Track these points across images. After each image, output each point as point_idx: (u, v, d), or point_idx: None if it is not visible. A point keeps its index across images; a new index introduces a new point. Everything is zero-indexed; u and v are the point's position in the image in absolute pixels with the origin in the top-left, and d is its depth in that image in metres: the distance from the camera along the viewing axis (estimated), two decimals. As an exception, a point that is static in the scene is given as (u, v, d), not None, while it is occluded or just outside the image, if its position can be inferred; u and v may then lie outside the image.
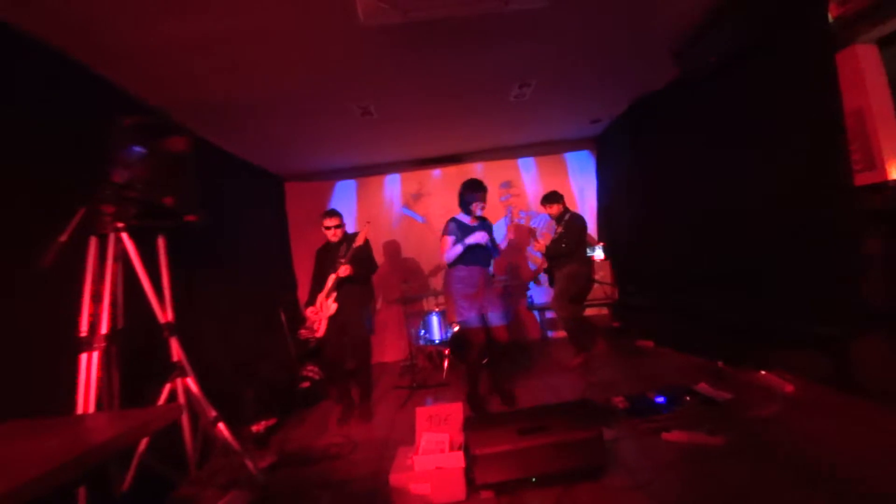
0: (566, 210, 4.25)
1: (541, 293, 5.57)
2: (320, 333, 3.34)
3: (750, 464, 2.07)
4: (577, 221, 4.15)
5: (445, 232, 3.24)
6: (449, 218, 3.33)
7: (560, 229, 4.16)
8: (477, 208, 3.20)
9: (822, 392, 2.69)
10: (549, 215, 4.35)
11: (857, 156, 2.38)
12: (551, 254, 4.16)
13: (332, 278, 3.33)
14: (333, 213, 3.53)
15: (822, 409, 2.51)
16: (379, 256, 5.63)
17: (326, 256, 3.50)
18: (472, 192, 3.21)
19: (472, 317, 3.16)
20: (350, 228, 5.57)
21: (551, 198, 4.28)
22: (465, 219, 3.28)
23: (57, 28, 2.15)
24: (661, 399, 2.83)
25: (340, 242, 3.46)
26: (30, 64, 2.16)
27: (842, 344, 2.54)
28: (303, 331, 3.42)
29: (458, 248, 3.12)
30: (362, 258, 3.41)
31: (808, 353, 2.81)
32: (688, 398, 2.82)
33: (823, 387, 2.71)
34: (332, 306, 3.32)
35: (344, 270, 3.27)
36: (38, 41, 2.19)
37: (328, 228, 3.47)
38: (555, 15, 2.56)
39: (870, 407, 2.39)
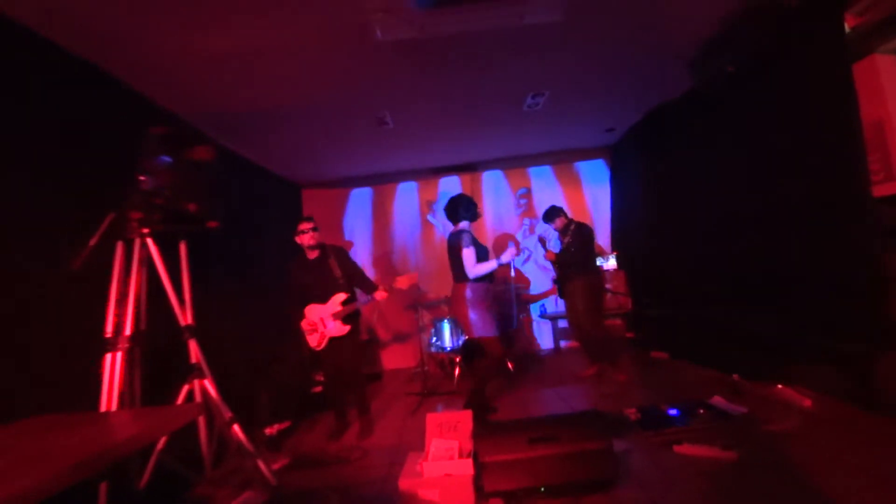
0: (571, 221, 4.21)
1: (554, 302, 5.55)
2: (320, 348, 3.21)
3: (763, 480, 2.03)
4: (584, 230, 4.11)
5: (468, 244, 3.11)
6: (462, 229, 3.22)
7: (567, 239, 4.11)
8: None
9: (840, 408, 2.62)
10: (555, 229, 4.30)
11: (876, 167, 2.34)
12: (562, 262, 4.13)
13: (340, 298, 3.17)
14: (308, 217, 3.28)
15: (840, 425, 2.44)
16: (393, 263, 5.72)
17: (306, 272, 3.26)
18: (475, 207, 3.29)
19: (497, 329, 3.14)
20: (362, 237, 5.73)
21: (552, 213, 4.26)
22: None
23: (91, 43, 2.27)
24: (674, 412, 2.79)
25: (323, 257, 3.26)
26: (65, 77, 2.29)
27: (864, 360, 2.48)
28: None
29: (493, 265, 3.07)
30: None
31: (827, 368, 2.75)
32: (702, 411, 2.77)
33: (842, 403, 2.65)
34: (340, 328, 3.15)
35: (383, 295, 3.20)
36: (74, 56, 2.32)
37: (304, 232, 3.18)
38: (569, 28, 2.60)
39: (888, 424, 2.32)
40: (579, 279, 4.05)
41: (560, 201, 5.70)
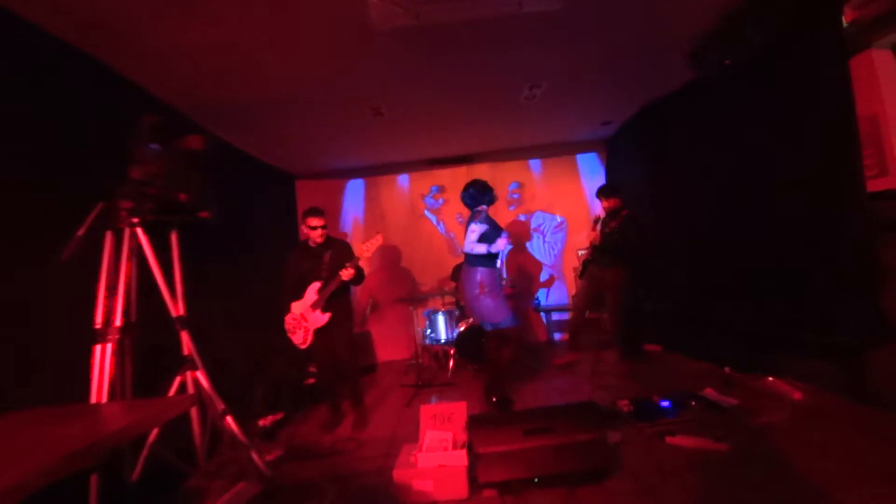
0: (623, 206, 3.97)
1: (547, 295, 5.57)
2: (305, 345, 3.15)
3: (754, 471, 2.06)
4: (639, 221, 3.82)
5: (479, 220, 3.09)
6: (481, 209, 3.21)
7: (614, 224, 3.91)
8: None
9: (831, 400, 2.66)
10: (604, 208, 4.07)
11: (871, 161, 2.35)
12: (603, 247, 3.93)
13: (315, 286, 3.11)
14: (320, 212, 3.19)
15: (830, 417, 2.48)
16: (387, 255, 5.69)
17: (305, 261, 3.22)
18: (491, 191, 3.29)
19: (511, 314, 3.17)
20: (355, 229, 5.69)
21: (608, 191, 4.01)
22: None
23: (82, 30, 2.21)
24: (666, 403, 2.82)
25: (324, 247, 3.22)
26: (55, 64, 2.23)
27: (856, 353, 2.51)
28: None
29: (483, 249, 3.04)
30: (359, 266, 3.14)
31: (818, 361, 2.78)
32: (694, 403, 2.80)
33: (833, 395, 2.68)
34: (320, 317, 3.08)
35: (349, 274, 3.01)
36: (64, 43, 2.26)
37: (314, 228, 3.14)
38: (569, 17, 2.56)
39: (880, 417, 2.36)
40: (617, 271, 3.90)
41: (555, 193, 5.70)
